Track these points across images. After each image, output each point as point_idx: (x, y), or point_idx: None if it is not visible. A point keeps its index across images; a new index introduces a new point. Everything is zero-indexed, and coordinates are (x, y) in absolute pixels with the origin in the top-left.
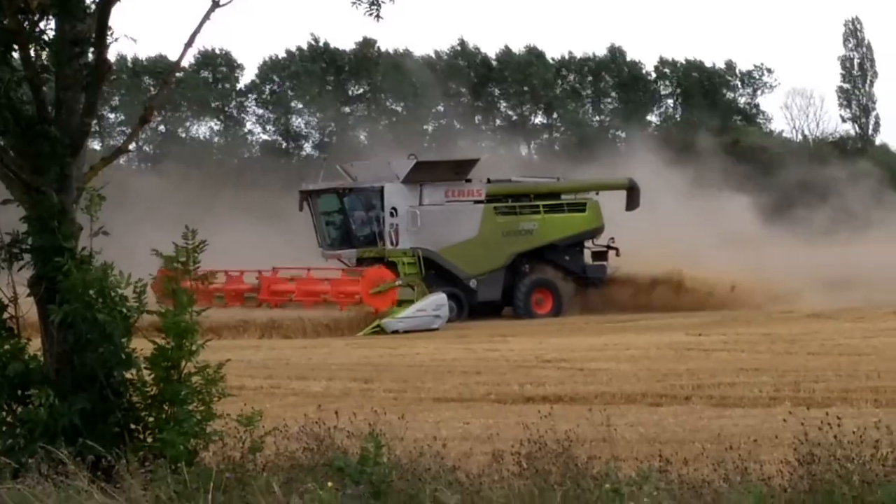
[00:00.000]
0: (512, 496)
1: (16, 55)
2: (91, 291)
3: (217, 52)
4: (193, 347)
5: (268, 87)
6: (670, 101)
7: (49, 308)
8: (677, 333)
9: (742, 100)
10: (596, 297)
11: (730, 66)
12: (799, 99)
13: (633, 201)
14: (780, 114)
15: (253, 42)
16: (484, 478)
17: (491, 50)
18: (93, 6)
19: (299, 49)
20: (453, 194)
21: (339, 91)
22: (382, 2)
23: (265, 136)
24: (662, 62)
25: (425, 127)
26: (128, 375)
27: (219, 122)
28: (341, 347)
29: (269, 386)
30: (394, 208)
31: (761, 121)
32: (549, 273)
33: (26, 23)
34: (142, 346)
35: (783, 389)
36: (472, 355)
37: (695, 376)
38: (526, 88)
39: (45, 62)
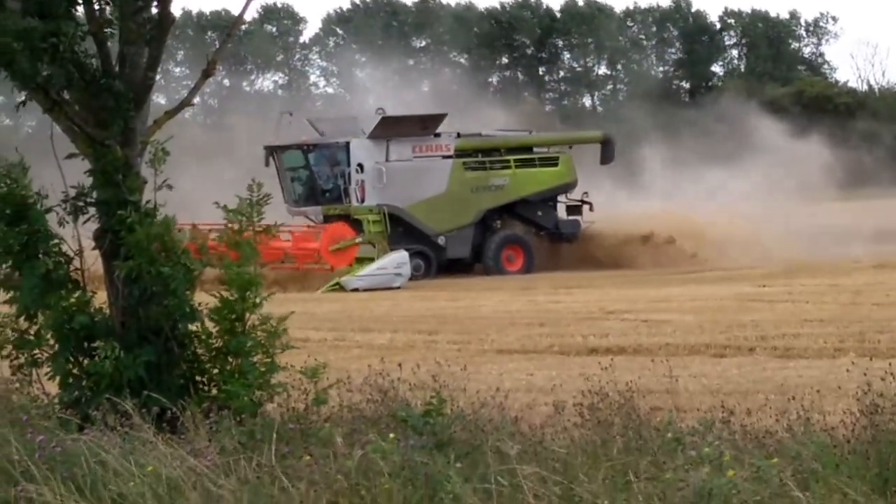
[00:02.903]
0: (573, 446)
1: (80, 9)
2: (155, 245)
3: (279, 5)
4: (257, 300)
5: (331, 39)
6: (735, 52)
7: (114, 263)
8: (741, 284)
9: (807, 50)
10: (569, 253)
11: (794, 15)
12: (864, 48)
13: (607, 155)
14: (845, 64)
15: None
16: (546, 429)
17: (555, 2)
18: None
19: (363, 1)
20: (421, 150)
21: (402, 43)
22: None
23: (329, 90)
24: (727, 13)
25: (490, 79)
26: (192, 328)
27: (283, 76)
28: (405, 299)
29: (334, 338)
30: (360, 164)
31: (826, 70)
32: (520, 229)
33: None
34: (206, 299)
35: (847, 340)
36: (535, 307)
37: (759, 327)
38: (590, 40)
39: (109, 16)
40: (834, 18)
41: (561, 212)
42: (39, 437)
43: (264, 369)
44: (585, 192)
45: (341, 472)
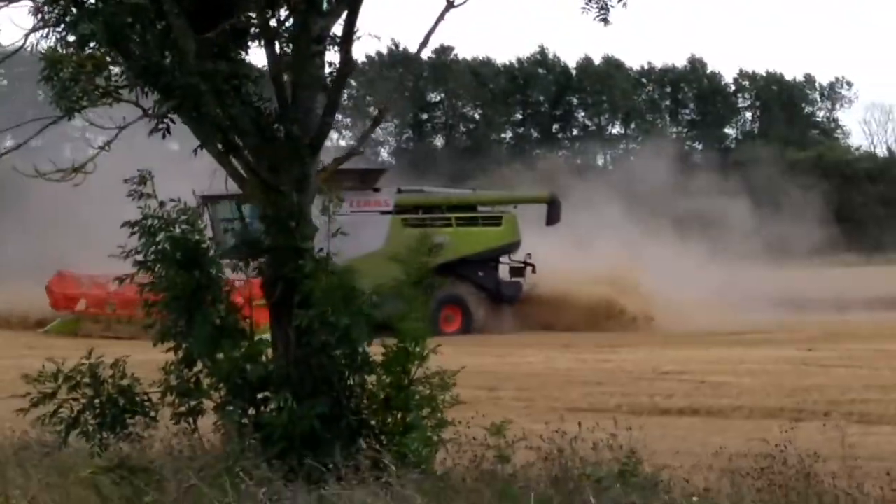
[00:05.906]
0: None
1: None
2: (336, 295)
3: None
4: (425, 353)
5: (344, 92)
6: (748, 114)
7: (296, 312)
8: (786, 348)
9: (821, 113)
10: (508, 315)
11: (809, 79)
12: (878, 113)
13: (553, 216)
14: (858, 128)
15: None
16: (718, 493)
17: (571, 59)
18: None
19: (378, 54)
20: (359, 204)
21: (416, 97)
22: (611, 6)
23: (342, 142)
24: (742, 74)
25: (503, 135)
26: (366, 379)
27: None
28: (451, 354)
29: None
30: None
31: (839, 135)
32: (460, 289)
33: (273, 19)
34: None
35: None
36: (585, 366)
37: (824, 392)
38: (604, 98)
39: (288, 60)
40: (849, 84)
41: (504, 272)
42: (262, 489)
43: (433, 424)
44: (528, 254)
45: None
